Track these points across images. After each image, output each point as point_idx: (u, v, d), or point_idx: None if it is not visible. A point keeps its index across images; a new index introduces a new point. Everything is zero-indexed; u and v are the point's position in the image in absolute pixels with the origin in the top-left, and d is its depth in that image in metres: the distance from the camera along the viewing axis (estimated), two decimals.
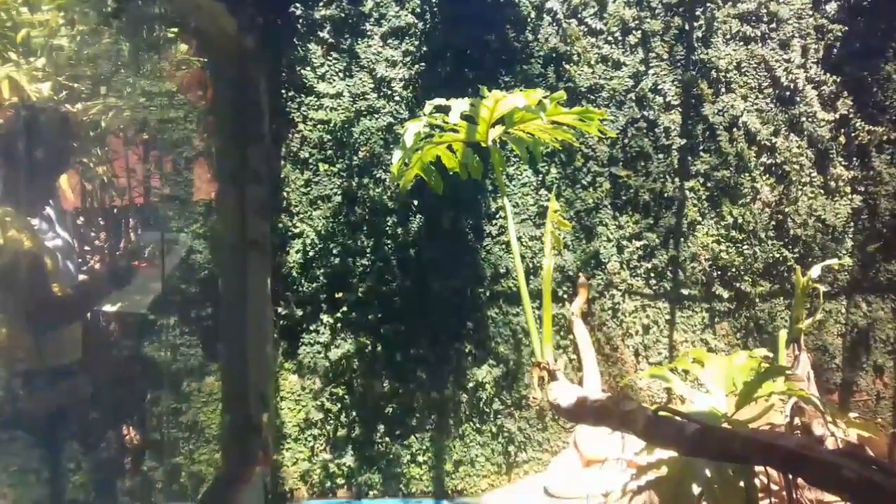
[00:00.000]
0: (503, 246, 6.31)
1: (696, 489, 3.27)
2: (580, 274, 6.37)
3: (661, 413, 2.84)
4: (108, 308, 6.04)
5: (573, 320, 6.30)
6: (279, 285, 6.23)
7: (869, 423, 4.98)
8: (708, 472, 3.18)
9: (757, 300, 6.51)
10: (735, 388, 3.38)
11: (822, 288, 5.77)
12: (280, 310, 6.25)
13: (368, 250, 6.25)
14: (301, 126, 6.22)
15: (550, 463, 6.39)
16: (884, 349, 6.58)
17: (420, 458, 6.39)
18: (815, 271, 5.39)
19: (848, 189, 6.52)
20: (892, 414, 6.47)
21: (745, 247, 6.45)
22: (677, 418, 2.76)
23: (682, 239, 6.46)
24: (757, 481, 3.39)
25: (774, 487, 4.46)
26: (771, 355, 5.26)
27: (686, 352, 6.06)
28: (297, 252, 6.21)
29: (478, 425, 6.41)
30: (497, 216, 6.33)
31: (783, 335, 5.19)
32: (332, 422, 6.36)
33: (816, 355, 6.54)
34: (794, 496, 3.56)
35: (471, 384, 6.34)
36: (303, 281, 6.25)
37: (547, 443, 6.49)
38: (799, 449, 2.49)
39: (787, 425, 3.78)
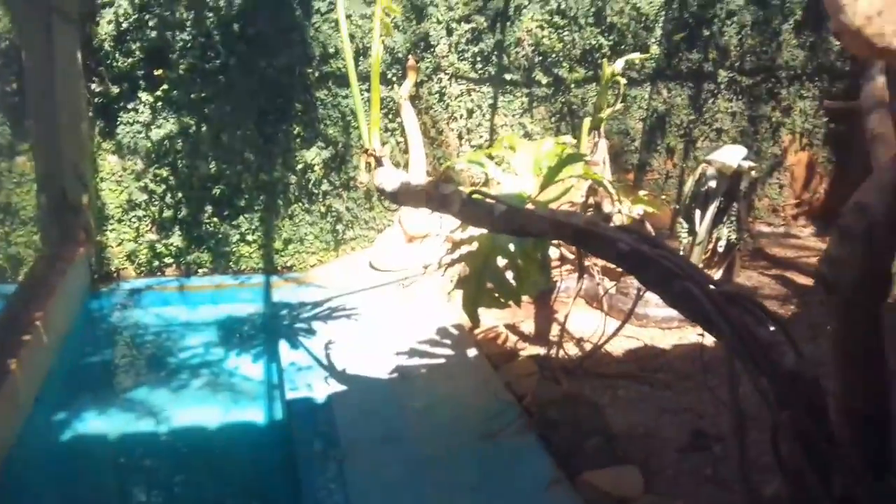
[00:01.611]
0: (332, 24, 6.18)
1: (501, 261, 3.69)
2: (409, 56, 6.42)
3: (475, 196, 3.13)
4: None
5: (401, 103, 6.42)
6: (91, 60, 5.84)
7: (654, 200, 5.65)
8: (512, 247, 3.58)
9: (572, 86, 6.89)
10: (541, 172, 3.72)
11: (625, 80, 6.17)
12: (94, 86, 5.91)
13: (189, 24, 5.92)
14: None
15: (376, 240, 6.77)
16: (677, 133, 7.27)
17: (249, 238, 6.55)
18: (619, 64, 5.77)
19: None
20: (677, 191, 7.28)
21: (566, 33, 6.70)
22: (488, 200, 3.06)
23: (508, 23, 6.59)
24: (557, 253, 3.86)
25: (571, 256, 5.06)
26: (574, 141, 5.72)
27: (501, 137, 6.40)
28: (108, 23, 5.78)
29: (307, 205, 6.59)
30: None
31: (586, 123, 5.59)
32: (157, 203, 6.32)
33: (619, 138, 7.14)
34: (583, 263, 4.11)
35: (300, 166, 6.43)
36: (117, 55, 5.89)
37: (373, 221, 6.82)
38: (585, 226, 2.87)
39: (582, 204, 4.23)
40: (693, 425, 3.93)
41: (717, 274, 6.01)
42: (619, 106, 5.97)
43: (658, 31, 6.93)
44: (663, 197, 7.31)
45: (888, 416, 3.04)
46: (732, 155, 5.73)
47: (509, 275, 3.76)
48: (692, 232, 5.97)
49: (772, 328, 2.66)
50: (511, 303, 3.77)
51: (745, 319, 2.63)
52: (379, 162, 3.88)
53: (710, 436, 3.80)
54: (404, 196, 3.66)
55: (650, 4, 6.80)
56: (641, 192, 6.51)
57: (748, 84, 7.16)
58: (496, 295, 3.70)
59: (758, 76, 7.16)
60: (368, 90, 4.64)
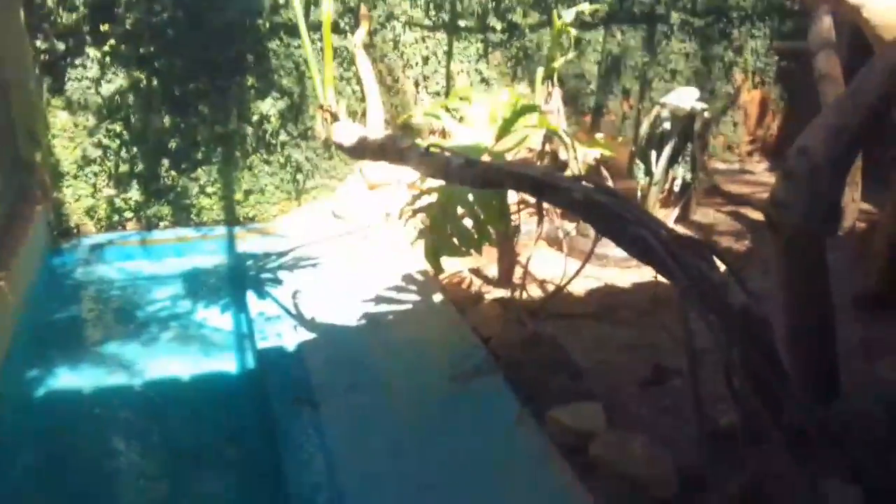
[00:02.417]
0: None
1: (460, 210, 3.77)
2: (362, 4, 6.35)
3: (432, 149, 3.18)
4: None
5: (355, 52, 6.34)
6: (33, 17, 5.69)
7: (610, 143, 5.76)
8: (471, 197, 3.66)
9: (527, 31, 6.90)
10: (497, 123, 3.78)
11: (574, 31, 6.21)
12: (39, 43, 5.77)
13: None
14: None
15: (338, 189, 6.79)
16: (632, 74, 7.36)
17: (209, 190, 6.52)
18: (569, 15, 5.81)
19: None
20: (634, 133, 7.39)
21: None
22: (446, 154, 3.12)
23: None
24: (517, 196, 3.95)
25: (531, 200, 5.14)
26: (530, 91, 5.76)
27: (455, 90, 6.42)
28: None
29: (265, 156, 6.57)
30: None
31: (539, 73, 5.64)
32: (112, 158, 6.24)
33: (575, 82, 7.20)
34: (542, 207, 4.20)
35: (255, 117, 6.39)
36: (60, 11, 5.74)
37: (334, 170, 6.82)
38: (542, 177, 2.96)
39: (539, 152, 4.31)
40: (653, 360, 4.10)
41: (673, 212, 6.20)
42: (570, 55, 6.03)
43: None
44: (620, 139, 7.42)
45: (833, 347, 3.24)
46: (685, 97, 5.86)
47: (469, 223, 3.84)
48: (649, 173, 6.12)
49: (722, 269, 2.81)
50: (472, 251, 3.87)
51: (697, 263, 2.76)
52: (335, 117, 3.89)
53: (669, 370, 3.98)
54: (362, 151, 3.70)
55: None
56: (598, 135, 6.62)
57: (700, 25, 7.26)
58: (457, 244, 3.78)
59: (709, 17, 7.26)
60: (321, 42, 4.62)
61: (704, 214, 6.43)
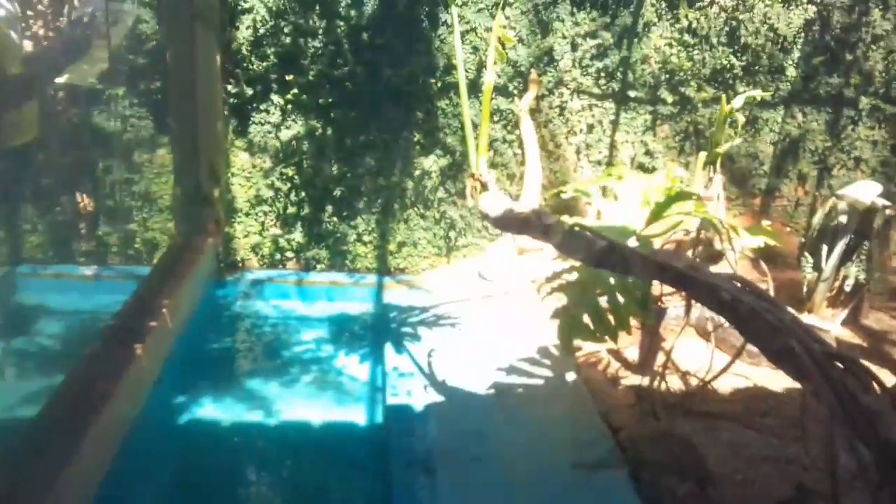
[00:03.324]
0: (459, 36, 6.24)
1: (599, 294, 3.65)
2: (532, 70, 6.42)
3: (576, 228, 3.11)
4: (59, 80, 5.93)
5: (521, 115, 6.44)
6: (229, 62, 6.16)
7: (775, 231, 5.43)
8: (612, 280, 3.53)
9: (700, 105, 6.69)
10: (649, 206, 3.66)
11: (743, 118, 5.98)
12: (230, 87, 6.23)
13: (321, 31, 6.14)
14: None
15: (487, 249, 6.82)
16: (811, 159, 6.92)
17: (366, 238, 6.75)
18: (738, 101, 5.58)
19: None
20: (808, 220, 6.93)
21: (696, 52, 6.52)
22: (589, 234, 3.04)
23: (635, 40, 6.47)
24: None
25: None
26: (688, 174, 5.56)
27: (610, 168, 6.32)
28: (247, 28, 6.08)
29: (422, 211, 6.72)
30: (454, 3, 6.21)
31: (701, 157, 5.43)
32: (281, 199, 6.60)
33: (747, 161, 6.87)
34: (690, 303, 4.00)
35: (417, 172, 6.56)
36: (253, 59, 6.18)
37: (486, 230, 6.87)
38: (687, 270, 2.80)
39: (693, 239, 4.12)
40: (797, 478, 3.77)
41: (841, 313, 5.73)
42: (737, 141, 5.79)
43: (796, 54, 6.62)
44: (791, 225, 7.00)
45: None
46: (866, 190, 5.43)
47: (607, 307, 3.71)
48: (817, 267, 5.71)
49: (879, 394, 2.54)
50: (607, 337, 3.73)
51: (849, 382, 2.51)
52: (484, 186, 3.91)
53: (814, 492, 3.64)
54: (507, 222, 3.68)
55: (789, 26, 6.51)
56: (765, 222, 6.27)
57: (893, 112, 6.73)
58: (592, 328, 3.67)
59: None
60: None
61: (878, 320, 5.88)
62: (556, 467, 3.87)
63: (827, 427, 2.62)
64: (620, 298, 3.57)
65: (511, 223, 3.66)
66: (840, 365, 2.56)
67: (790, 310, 5.79)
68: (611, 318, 3.62)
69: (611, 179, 4.14)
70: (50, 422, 3.61)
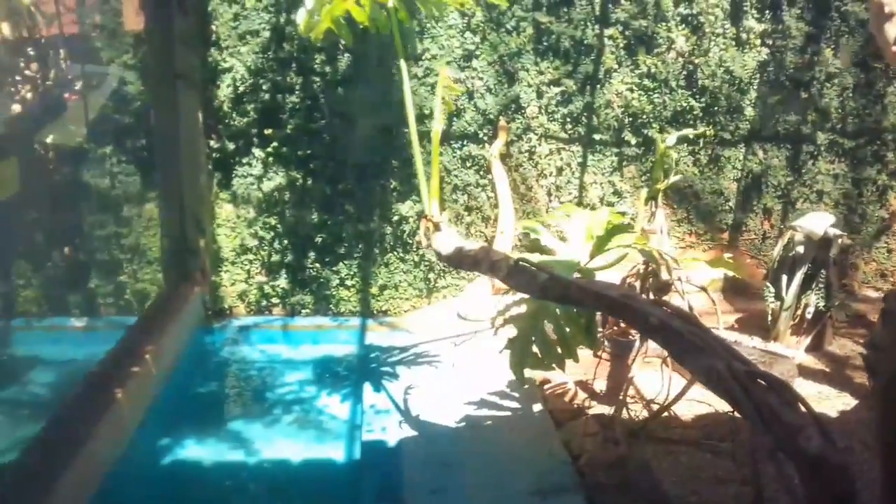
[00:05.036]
0: (429, 88, 6.57)
1: (547, 325, 3.87)
2: (500, 117, 6.72)
3: (520, 263, 3.34)
4: (43, 140, 6.26)
5: (492, 161, 6.71)
6: (211, 119, 6.48)
7: (734, 263, 5.67)
8: (558, 311, 3.76)
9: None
10: (593, 240, 3.89)
11: (676, 154, 6.37)
12: (213, 143, 6.54)
13: (298, 87, 6.46)
14: None
15: (465, 289, 7.04)
16: (774, 194, 7.17)
17: (348, 283, 6.98)
18: (671, 140, 5.91)
19: (758, 42, 6.81)
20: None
21: (656, 95, 6.82)
22: (532, 268, 3.27)
23: (598, 86, 6.78)
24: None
25: None
26: (636, 210, 5.83)
27: (559, 206, 6.61)
28: (227, 87, 6.40)
29: (401, 254, 6.96)
30: (423, 57, 6.54)
31: (642, 194, 5.72)
32: (266, 248, 6.86)
33: (712, 198, 7.12)
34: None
35: (395, 217, 6.81)
36: (234, 115, 6.49)
37: (464, 271, 7.08)
38: (621, 298, 3.02)
39: (638, 273, 4.34)
40: (750, 499, 3.91)
41: (804, 341, 5.91)
42: (673, 178, 6.12)
43: (753, 94, 6.91)
44: (759, 258, 7.23)
45: None
46: (819, 222, 5.67)
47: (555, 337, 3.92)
48: (779, 297, 5.91)
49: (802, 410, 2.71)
50: (554, 366, 3.94)
51: (771, 400, 2.69)
52: (437, 227, 4.16)
53: None
54: (458, 259, 3.91)
55: (744, 68, 6.81)
56: (726, 255, 6.49)
57: (851, 146, 7.00)
58: (540, 357, 3.87)
59: (861, 138, 6.99)
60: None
61: (842, 346, 6.06)
62: (515, 494, 4.03)
63: (749, 443, 2.79)
64: (566, 328, 3.78)
65: (462, 260, 3.89)
66: (763, 383, 2.75)
67: (752, 337, 5.96)
68: (558, 347, 3.83)
69: (559, 217, 4.39)
70: (27, 464, 3.81)
